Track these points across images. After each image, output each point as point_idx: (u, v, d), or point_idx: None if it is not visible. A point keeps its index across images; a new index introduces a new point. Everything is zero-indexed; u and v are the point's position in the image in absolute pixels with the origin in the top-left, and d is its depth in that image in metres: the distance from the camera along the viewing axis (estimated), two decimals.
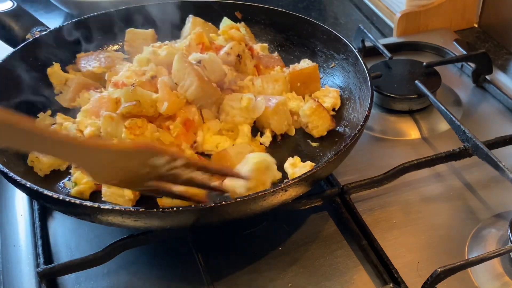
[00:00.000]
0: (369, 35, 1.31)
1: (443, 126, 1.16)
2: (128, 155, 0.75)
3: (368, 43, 1.34)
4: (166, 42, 1.15)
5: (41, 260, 0.90)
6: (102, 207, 0.78)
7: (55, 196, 0.80)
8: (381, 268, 0.87)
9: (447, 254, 0.91)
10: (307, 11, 1.63)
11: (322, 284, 0.88)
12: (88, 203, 0.78)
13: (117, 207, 0.78)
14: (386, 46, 1.31)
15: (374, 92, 1.04)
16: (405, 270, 0.87)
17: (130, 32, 1.19)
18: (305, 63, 1.15)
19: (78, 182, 0.92)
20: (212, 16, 1.23)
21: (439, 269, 0.80)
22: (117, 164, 0.75)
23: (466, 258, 0.90)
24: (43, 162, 0.95)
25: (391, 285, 0.84)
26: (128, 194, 0.88)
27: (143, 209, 0.77)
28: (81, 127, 1.00)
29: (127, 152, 0.75)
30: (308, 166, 0.94)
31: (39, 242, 0.93)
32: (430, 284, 0.81)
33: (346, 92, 1.10)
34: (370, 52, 1.33)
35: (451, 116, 1.06)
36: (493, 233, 0.94)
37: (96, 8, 1.41)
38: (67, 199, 0.79)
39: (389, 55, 1.25)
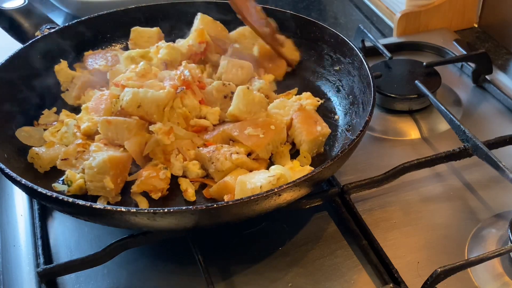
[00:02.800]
0: (369, 35, 1.31)
1: (443, 126, 1.16)
2: None
3: (368, 43, 1.34)
4: (161, 42, 1.16)
5: (41, 260, 0.90)
6: (94, 206, 0.78)
7: (49, 194, 0.80)
8: (381, 268, 0.87)
9: (447, 254, 0.91)
10: (307, 11, 1.63)
11: (322, 284, 0.88)
12: (80, 202, 0.79)
13: (109, 207, 0.78)
14: (386, 46, 1.31)
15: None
16: (405, 270, 0.87)
17: (135, 30, 1.19)
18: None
19: (73, 180, 0.92)
20: (218, 17, 1.23)
21: (439, 269, 0.80)
22: None
23: (466, 258, 0.90)
24: (43, 158, 0.96)
25: (391, 285, 0.84)
26: (109, 186, 0.89)
27: (134, 210, 0.77)
28: (80, 123, 1.00)
29: None
30: (306, 170, 0.94)
31: (39, 242, 0.93)
32: (430, 284, 0.81)
33: (351, 96, 1.10)
34: (370, 52, 1.33)
35: (451, 116, 1.06)
36: (493, 233, 0.94)
37: (97, 8, 1.42)
38: (60, 197, 0.79)
39: (389, 55, 1.25)
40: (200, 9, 1.22)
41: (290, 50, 1.20)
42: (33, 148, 0.97)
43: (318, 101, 1.12)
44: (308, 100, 1.11)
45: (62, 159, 0.95)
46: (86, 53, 1.17)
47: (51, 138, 1.01)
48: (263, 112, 1.01)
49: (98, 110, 1.00)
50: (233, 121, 1.01)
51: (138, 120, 0.96)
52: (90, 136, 0.99)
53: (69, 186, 0.92)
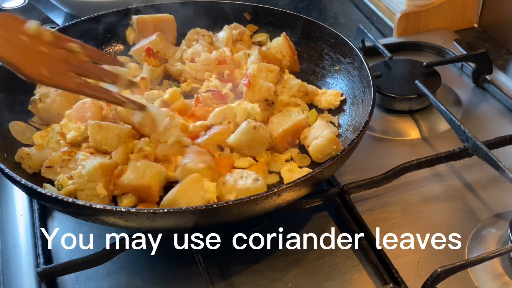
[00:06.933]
0: (369, 35, 1.31)
1: (443, 126, 1.16)
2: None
3: (368, 43, 1.34)
4: None
5: (41, 260, 0.90)
6: (93, 206, 0.78)
7: (49, 194, 0.81)
8: (381, 268, 0.87)
9: (447, 254, 0.91)
10: (307, 11, 1.63)
11: (322, 284, 0.88)
12: (80, 202, 0.79)
13: (109, 207, 0.78)
14: (386, 46, 1.31)
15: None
16: (405, 270, 0.87)
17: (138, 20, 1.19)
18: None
19: (64, 184, 0.92)
20: (220, 17, 1.24)
21: (439, 269, 0.80)
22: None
23: (466, 258, 0.90)
24: (34, 159, 0.95)
25: (391, 285, 0.84)
26: (102, 192, 0.89)
27: (134, 210, 0.77)
28: (64, 130, 0.99)
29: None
30: (304, 171, 0.94)
31: (39, 242, 0.93)
32: (430, 284, 0.81)
33: (351, 96, 1.10)
34: (370, 52, 1.33)
35: (451, 116, 1.06)
36: (493, 233, 0.94)
37: (97, 8, 1.41)
38: (60, 197, 0.80)
39: (389, 55, 1.25)
40: (202, 11, 1.23)
41: (292, 63, 1.19)
42: (23, 148, 0.96)
43: (342, 95, 1.11)
44: (331, 96, 1.11)
45: (46, 167, 0.94)
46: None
47: (39, 141, 1.00)
48: (263, 152, 0.99)
49: (84, 118, 0.99)
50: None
51: (131, 129, 0.96)
52: (76, 144, 0.98)
53: (59, 190, 0.91)
